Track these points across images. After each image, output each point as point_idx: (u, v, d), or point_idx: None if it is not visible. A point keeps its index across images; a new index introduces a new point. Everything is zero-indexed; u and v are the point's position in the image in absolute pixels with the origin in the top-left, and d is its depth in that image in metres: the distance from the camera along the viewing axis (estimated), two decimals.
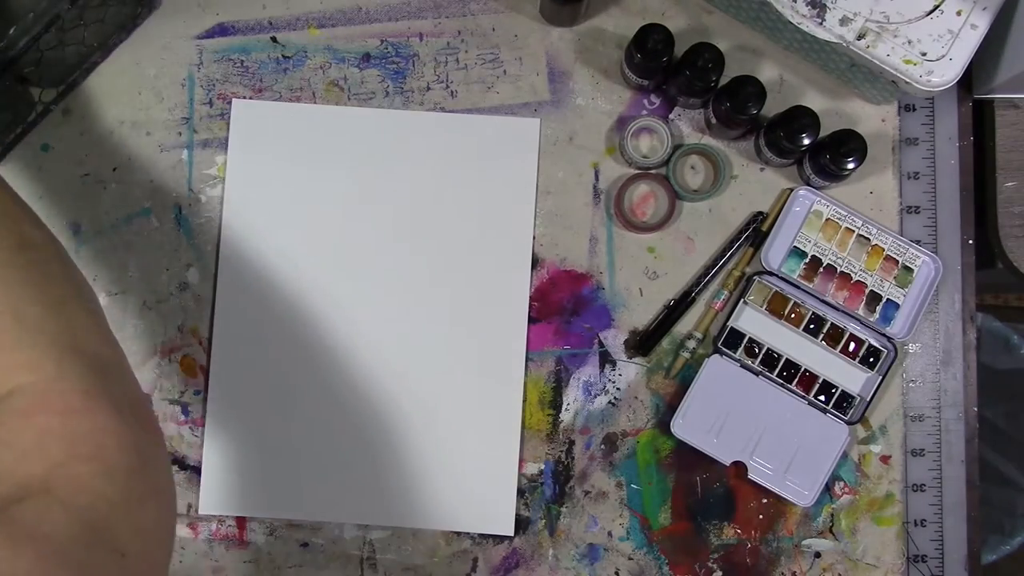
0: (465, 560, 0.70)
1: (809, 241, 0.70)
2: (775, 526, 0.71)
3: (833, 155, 0.65)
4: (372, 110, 0.72)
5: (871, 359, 0.70)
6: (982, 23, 0.61)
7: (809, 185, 0.70)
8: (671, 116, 0.72)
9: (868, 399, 0.69)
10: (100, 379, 0.46)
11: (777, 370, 0.70)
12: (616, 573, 0.70)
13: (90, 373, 0.46)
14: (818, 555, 0.70)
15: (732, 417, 0.69)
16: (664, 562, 0.70)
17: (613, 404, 0.71)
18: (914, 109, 0.72)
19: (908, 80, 0.61)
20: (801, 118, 0.65)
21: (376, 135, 0.72)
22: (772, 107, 0.69)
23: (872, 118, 0.72)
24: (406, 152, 0.72)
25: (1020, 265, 0.73)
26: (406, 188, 0.71)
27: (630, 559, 0.70)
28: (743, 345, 0.70)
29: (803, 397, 0.70)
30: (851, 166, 0.66)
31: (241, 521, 0.70)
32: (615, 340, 0.71)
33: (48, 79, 0.70)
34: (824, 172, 0.67)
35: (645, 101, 0.72)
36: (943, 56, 0.61)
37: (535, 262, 0.71)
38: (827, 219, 0.70)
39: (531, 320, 0.71)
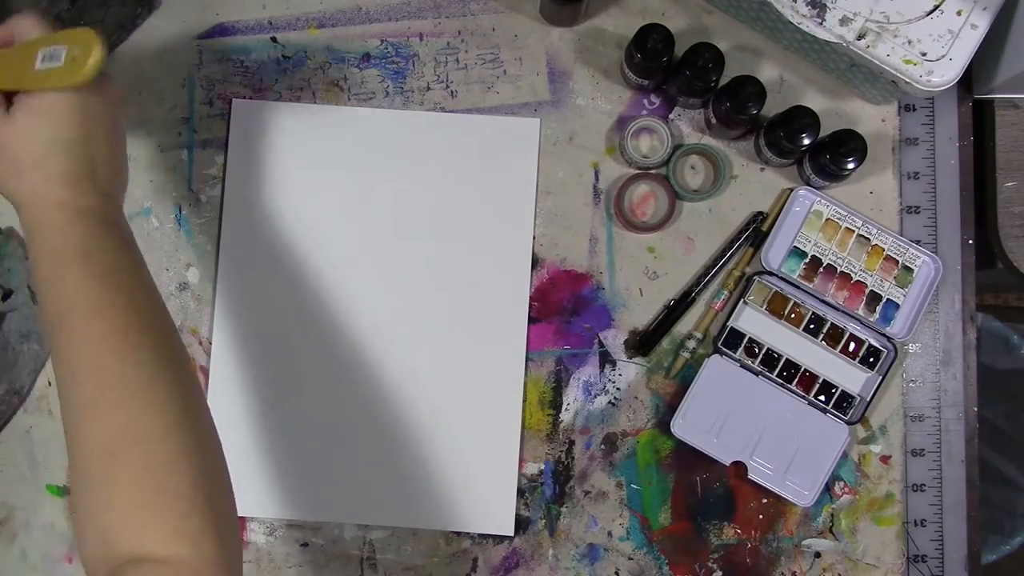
0: (465, 560, 0.70)
1: (809, 241, 0.70)
2: (775, 526, 0.71)
3: (833, 155, 0.65)
4: (372, 110, 0.72)
5: (871, 359, 0.70)
6: (982, 23, 0.61)
7: (809, 185, 0.70)
8: (671, 116, 0.72)
9: (868, 399, 0.69)
10: (239, 564, 0.47)
11: (777, 370, 0.70)
12: (616, 573, 0.70)
13: (237, 557, 0.47)
14: (818, 555, 0.70)
15: (732, 417, 0.69)
16: (664, 562, 0.70)
17: (613, 404, 0.71)
18: (914, 109, 0.72)
19: (908, 80, 0.61)
20: (801, 118, 0.65)
21: (376, 135, 0.72)
22: (772, 107, 0.69)
23: (872, 118, 0.72)
24: (406, 152, 0.72)
25: (1020, 265, 0.73)
26: (406, 188, 0.71)
27: (630, 559, 0.70)
28: (743, 345, 0.70)
29: (803, 397, 0.70)
30: (851, 166, 0.66)
31: (241, 521, 0.70)
32: (615, 340, 0.71)
33: None
34: (824, 172, 0.67)
35: (645, 101, 0.72)
36: (943, 56, 0.61)
37: (535, 262, 0.71)
38: (827, 219, 0.70)
39: (531, 320, 0.71)
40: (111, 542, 0.45)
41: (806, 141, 0.65)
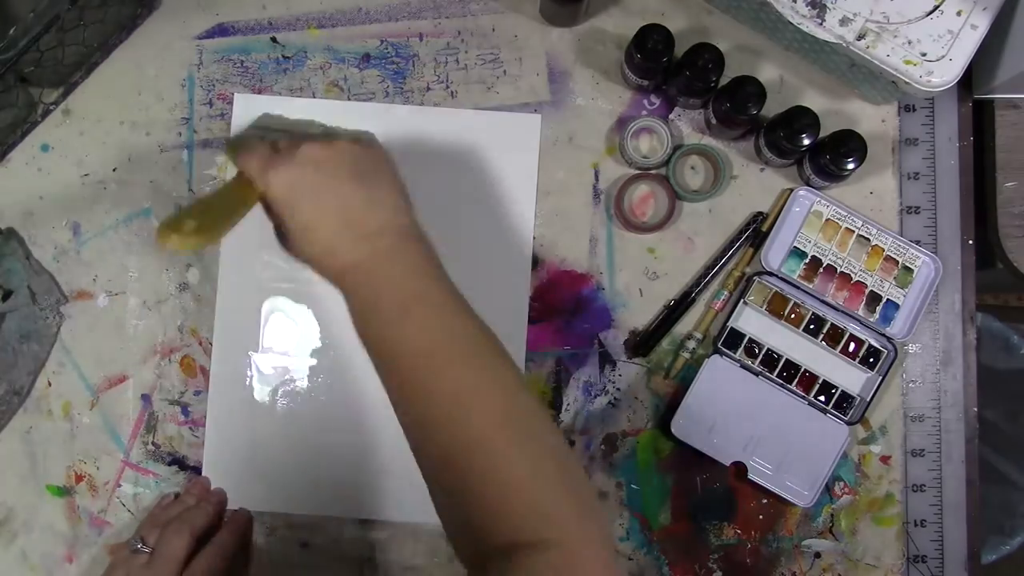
0: None
1: (809, 241, 0.70)
2: (775, 526, 0.71)
3: (833, 155, 0.65)
4: (373, 104, 0.72)
5: (871, 359, 0.70)
6: (982, 23, 0.61)
7: (809, 185, 0.70)
8: (671, 116, 0.72)
9: (868, 399, 0.69)
10: (609, 545, 0.48)
11: (777, 370, 0.70)
12: None
13: (606, 538, 0.48)
14: (818, 555, 0.70)
15: (732, 417, 0.69)
16: (664, 562, 0.70)
17: (613, 404, 0.71)
18: (914, 109, 0.72)
19: (908, 80, 0.61)
20: (801, 118, 0.65)
21: (376, 130, 0.71)
22: (772, 107, 0.68)
23: (872, 118, 0.72)
24: (407, 148, 0.71)
25: (1020, 265, 0.73)
26: (408, 184, 0.71)
27: (630, 559, 0.70)
28: (743, 345, 0.70)
29: (803, 397, 0.70)
30: (851, 166, 0.66)
31: None
32: (615, 340, 0.71)
33: (48, 79, 0.70)
34: (824, 172, 0.67)
35: (645, 101, 0.72)
36: (943, 56, 0.61)
37: (535, 262, 0.71)
38: (827, 219, 0.70)
39: (531, 320, 0.71)
40: (497, 532, 0.46)
41: (806, 141, 0.65)
